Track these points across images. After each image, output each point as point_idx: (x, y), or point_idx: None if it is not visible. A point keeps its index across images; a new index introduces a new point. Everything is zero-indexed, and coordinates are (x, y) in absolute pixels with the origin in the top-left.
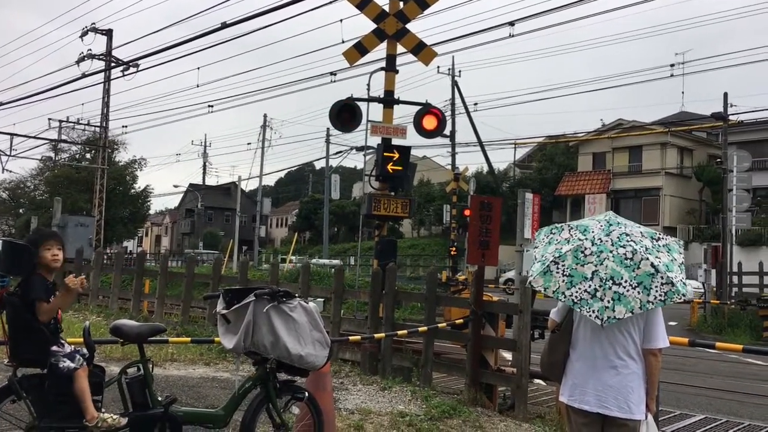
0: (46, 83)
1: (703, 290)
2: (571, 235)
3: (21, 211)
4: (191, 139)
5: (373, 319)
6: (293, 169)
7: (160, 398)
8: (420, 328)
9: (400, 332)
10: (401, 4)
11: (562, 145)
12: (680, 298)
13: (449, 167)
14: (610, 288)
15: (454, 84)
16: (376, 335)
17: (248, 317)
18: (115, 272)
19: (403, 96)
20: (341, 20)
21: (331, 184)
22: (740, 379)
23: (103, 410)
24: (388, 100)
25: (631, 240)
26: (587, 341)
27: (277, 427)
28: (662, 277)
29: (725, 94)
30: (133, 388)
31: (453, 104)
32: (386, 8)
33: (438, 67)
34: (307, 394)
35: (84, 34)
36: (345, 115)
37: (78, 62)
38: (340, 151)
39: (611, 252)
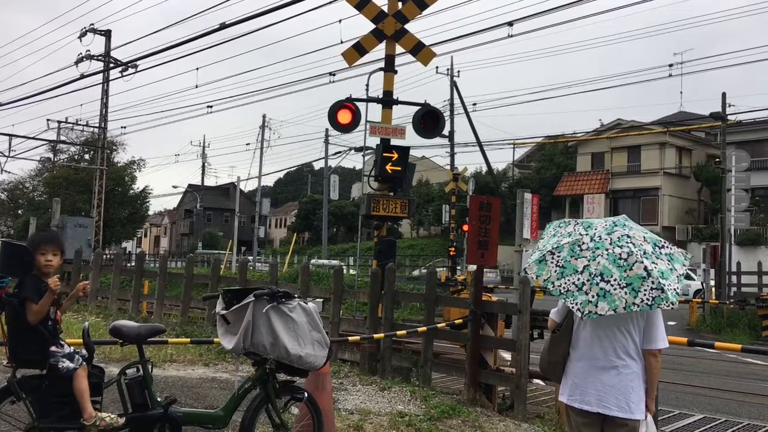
0: (44, 84)
1: (702, 289)
2: (575, 229)
3: (20, 212)
4: (190, 139)
5: (372, 320)
6: (292, 169)
7: (159, 399)
8: (419, 329)
9: (399, 332)
10: (400, 4)
11: (560, 145)
12: (668, 306)
13: (448, 167)
14: (597, 284)
15: (453, 84)
16: (375, 335)
17: (248, 318)
18: (114, 273)
19: (402, 96)
20: (340, 21)
21: (330, 184)
22: (739, 379)
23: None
24: (387, 101)
25: (631, 242)
26: (588, 341)
27: (277, 428)
28: (653, 282)
29: (723, 94)
30: (133, 388)
31: (452, 104)
32: (385, 8)
33: (437, 67)
34: (306, 394)
35: (83, 34)
36: (345, 115)
37: (77, 63)
38: (339, 152)
39: (607, 250)
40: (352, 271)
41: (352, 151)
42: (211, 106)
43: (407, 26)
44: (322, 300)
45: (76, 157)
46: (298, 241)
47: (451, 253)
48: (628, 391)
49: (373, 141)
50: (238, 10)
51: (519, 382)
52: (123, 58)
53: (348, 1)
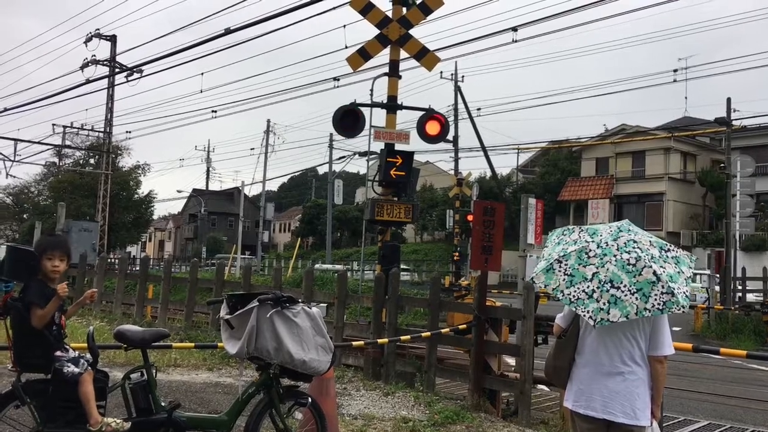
0: (50, 89)
1: (706, 295)
2: (580, 236)
3: (25, 216)
4: (195, 144)
5: (376, 325)
6: (296, 174)
7: (163, 403)
8: (423, 334)
9: (403, 337)
10: (404, 9)
11: (565, 150)
12: (679, 310)
13: (452, 172)
14: (607, 291)
15: (457, 89)
16: (379, 340)
17: (252, 322)
18: (118, 277)
19: (406, 101)
20: (344, 26)
21: (334, 189)
22: (744, 385)
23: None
24: (391, 106)
25: (638, 247)
26: (593, 347)
27: None
28: (663, 287)
29: (728, 99)
30: (137, 393)
31: (456, 109)
32: (389, 14)
33: (441, 72)
34: (310, 399)
35: (88, 39)
36: (348, 120)
37: (82, 68)
38: (343, 157)
39: (615, 256)
40: (356, 276)
41: (357, 156)
42: (215, 111)
43: (411, 31)
44: (326, 305)
45: (81, 161)
46: (302, 246)
47: (455, 258)
48: (634, 397)
49: (378, 146)
50: (242, 16)
51: (523, 388)
52: (128, 63)
53: (353, 7)
